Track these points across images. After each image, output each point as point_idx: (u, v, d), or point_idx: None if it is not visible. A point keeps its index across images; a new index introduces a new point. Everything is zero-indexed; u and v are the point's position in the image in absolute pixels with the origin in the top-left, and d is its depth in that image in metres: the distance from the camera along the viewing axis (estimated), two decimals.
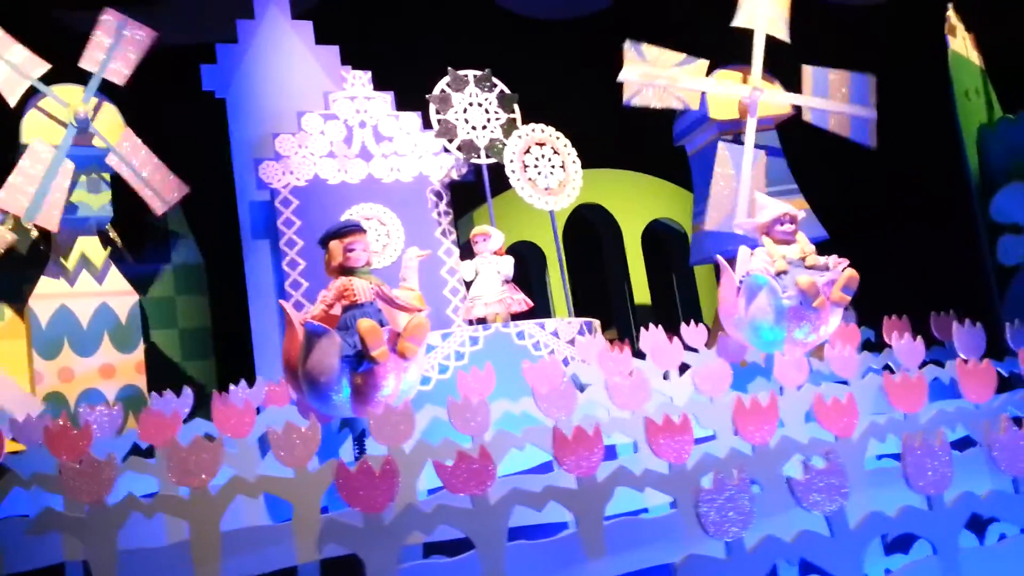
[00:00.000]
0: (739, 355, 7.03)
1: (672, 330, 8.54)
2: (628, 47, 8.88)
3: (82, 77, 8.93)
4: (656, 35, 9.16)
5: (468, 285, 8.38)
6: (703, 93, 9.07)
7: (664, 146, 11.18)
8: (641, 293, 11.07)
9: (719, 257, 6.92)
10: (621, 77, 8.84)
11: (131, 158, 8.96)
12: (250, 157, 9.16)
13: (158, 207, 9.10)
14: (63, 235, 9.07)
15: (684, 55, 9.06)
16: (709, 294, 11.18)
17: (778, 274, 6.51)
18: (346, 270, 5.75)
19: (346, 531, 4.09)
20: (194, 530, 4.75)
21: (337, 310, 5.81)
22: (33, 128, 8.85)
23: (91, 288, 9.13)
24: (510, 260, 8.30)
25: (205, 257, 10.36)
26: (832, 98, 9.13)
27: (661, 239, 11.63)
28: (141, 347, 9.27)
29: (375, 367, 5.50)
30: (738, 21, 9.13)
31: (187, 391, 7.09)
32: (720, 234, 9.23)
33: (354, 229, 5.79)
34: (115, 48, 8.84)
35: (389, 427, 5.21)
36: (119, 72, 8.91)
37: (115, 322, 9.17)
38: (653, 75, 8.89)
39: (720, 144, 9.03)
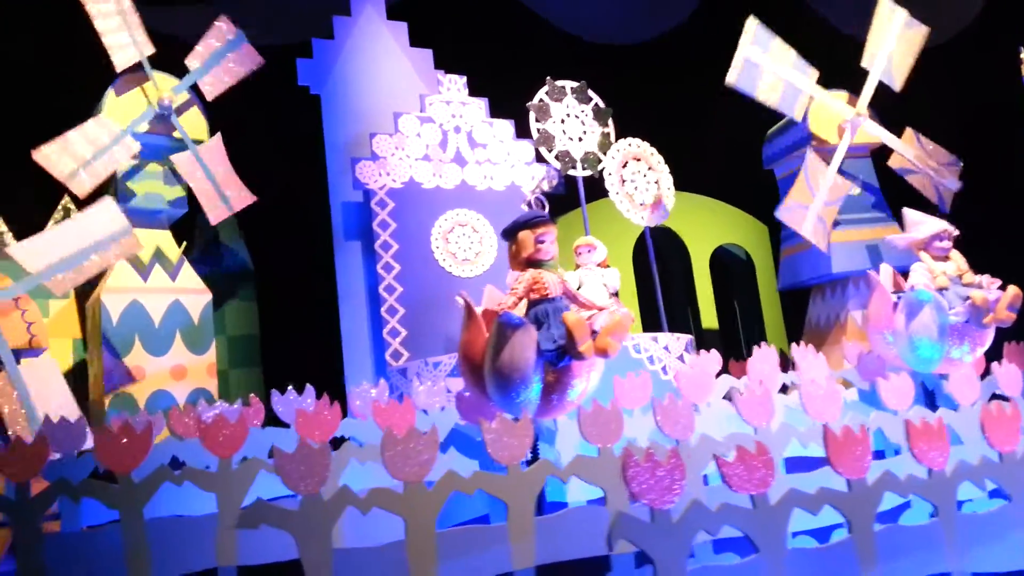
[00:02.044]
0: (879, 373, 6.91)
1: (737, 355, 8.47)
2: (752, 26, 8.79)
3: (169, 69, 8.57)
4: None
5: None
6: (807, 108, 9.05)
7: (732, 171, 11.21)
8: (708, 317, 10.94)
9: (871, 273, 6.81)
10: (738, 53, 8.74)
11: (208, 158, 8.52)
12: (343, 156, 8.81)
13: (217, 215, 8.62)
14: (135, 226, 8.56)
15: (801, 58, 9.03)
16: (773, 320, 11.13)
17: (939, 290, 6.43)
18: (534, 263, 5.45)
19: (636, 527, 3.77)
20: (410, 528, 4.38)
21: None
22: (115, 104, 8.37)
23: (164, 284, 8.61)
24: (616, 272, 8.09)
25: (283, 259, 9.82)
26: (924, 159, 9.23)
27: (725, 265, 11.55)
28: (213, 348, 8.75)
29: (571, 365, 5.20)
30: (864, 61, 9.19)
31: (309, 389, 6.65)
32: (813, 258, 9.20)
33: (546, 220, 5.50)
34: (217, 62, 8.48)
35: (598, 427, 4.90)
36: (213, 85, 8.55)
37: (188, 321, 8.65)
38: (767, 63, 8.83)
39: (810, 153, 9.01)
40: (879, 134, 9.29)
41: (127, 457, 5.00)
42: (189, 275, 8.78)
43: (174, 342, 8.53)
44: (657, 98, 11.27)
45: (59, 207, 9.86)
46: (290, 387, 6.64)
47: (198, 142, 8.61)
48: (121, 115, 8.35)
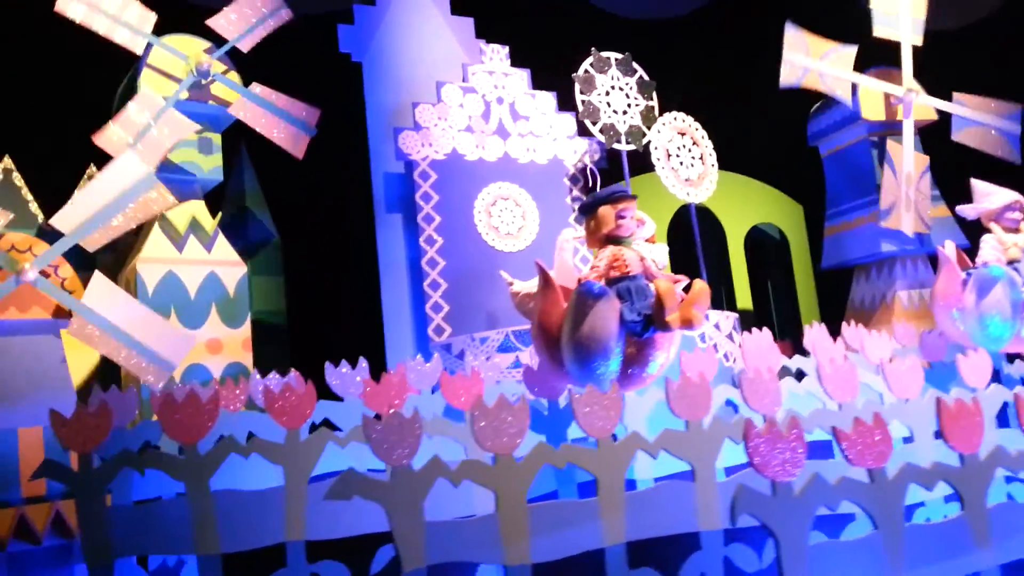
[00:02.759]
0: (941, 352, 6.77)
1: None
2: (790, 30, 8.64)
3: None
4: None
5: None
6: (854, 88, 8.88)
7: (767, 149, 11.03)
8: (743, 297, 10.78)
9: (940, 248, 6.65)
10: (783, 59, 8.59)
11: (264, 96, 8.25)
12: (385, 125, 8.58)
13: (301, 147, 8.28)
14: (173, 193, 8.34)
15: (833, 44, 8.86)
16: (807, 300, 10.99)
17: (1010, 263, 6.29)
18: (613, 239, 5.27)
19: (759, 501, 3.61)
20: (501, 501, 4.21)
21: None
22: (152, 80, 8.12)
23: (200, 256, 8.38)
24: (665, 248, 7.94)
25: (312, 230, 9.54)
26: (981, 112, 9.05)
27: (758, 244, 11.38)
28: (248, 322, 8.53)
29: (654, 337, 5.03)
30: (879, 32, 9.02)
31: (363, 363, 6.46)
32: (860, 237, 9.06)
33: (627, 195, 5.32)
34: (252, 24, 8.21)
35: (687, 400, 4.73)
36: (247, 42, 8.29)
37: (223, 294, 8.43)
38: (808, 61, 8.69)
39: (890, 142, 8.84)
40: (935, 104, 9.10)
41: (193, 428, 4.82)
42: (224, 247, 8.55)
43: (210, 315, 8.31)
44: (691, 74, 11.06)
45: (86, 174, 9.61)
46: (343, 360, 6.45)
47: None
48: (161, 90, 8.09)
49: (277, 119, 8.19)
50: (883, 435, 3.78)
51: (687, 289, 5.27)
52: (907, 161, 8.64)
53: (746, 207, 11.10)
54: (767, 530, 3.67)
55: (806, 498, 3.68)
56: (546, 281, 5.24)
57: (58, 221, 6.77)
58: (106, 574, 4.55)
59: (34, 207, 9.19)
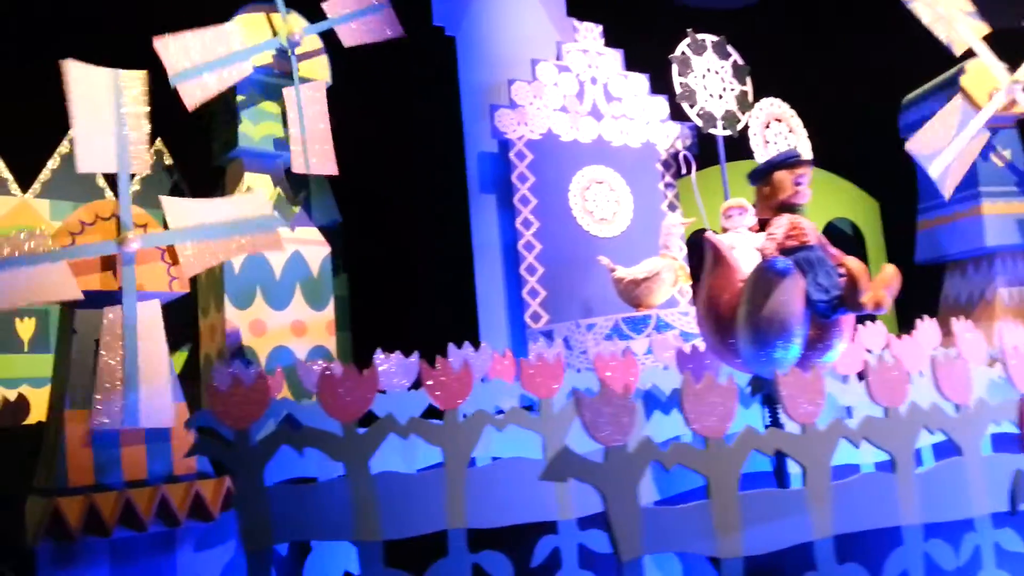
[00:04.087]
0: None
1: None
2: None
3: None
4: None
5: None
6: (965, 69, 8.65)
7: (843, 143, 10.78)
8: None
9: None
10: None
11: (311, 108, 7.88)
12: (479, 102, 8.25)
13: (299, 164, 7.90)
14: (250, 170, 7.99)
15: (973, 8, 8.62)
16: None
17: None
18: (788, 206, 4.98)
19: None
20: (713, 486, 3.91)
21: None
22: (238, 27, 7.72)
23: (284, 235, 7.99)
24: None
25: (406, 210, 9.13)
26: None
27: (832, 239, 11.11)
28: (332, 305, 8.18)
29: (839, 320, 4.75)
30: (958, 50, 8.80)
31: (486, 345, 6.14)
32: (959, 231, 8.83)
33: (804, 160, 5.03)
34: (359, 17, 7.86)
35: (887, 386, 4.46)
36: (351, 36, 7.93)
37: (307, 274, 8.08)
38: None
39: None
40: None
41: (351, 406, 4.49)
42: (307, 226, 8.21)
43: (294, 296, 7.96)
44: (763, 63, 10.80)
45: (151, 149, 9.23)
46: (466, 343, 6.14)
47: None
48: (243, 39, 7.72)
49: (297, 131, 7.81)
50: None
51: None
52: (973, 127, 8.41)
53: (822, 202, 10.84)
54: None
55: None
56: (719, 256, 4.95)
57: (170, 207, 6.32)
58: (265, 560, 4.21)
59: (100, 180, 8.82)
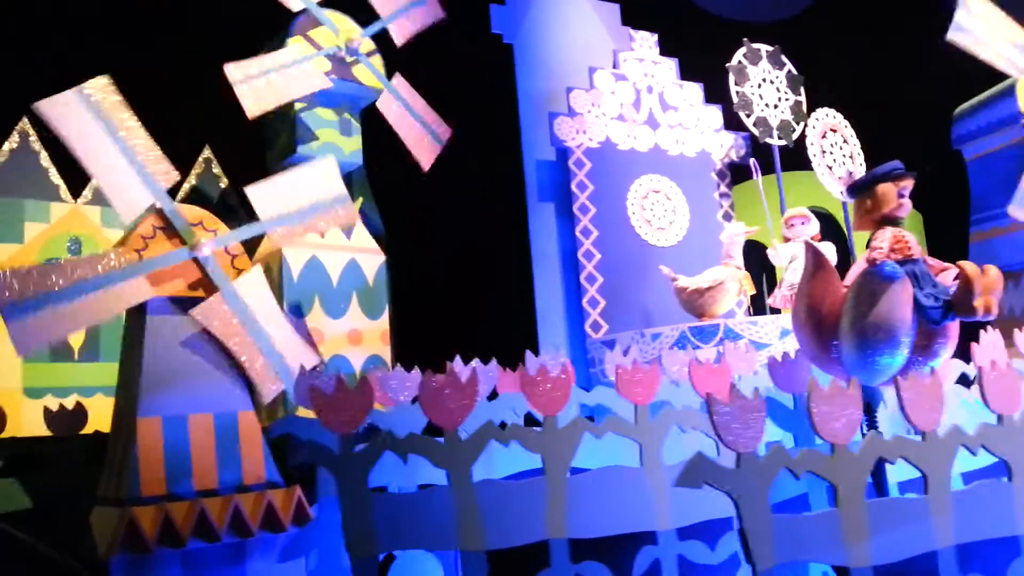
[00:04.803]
0: None
1: None
2: None
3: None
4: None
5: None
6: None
7: (887, 153, 10.72)
8: None
9: None
10: (956, 18, 8.22)
11: (403, 94, 7.84)
12: (538, 110, 8.20)
13: (428, 155, 7.90)
14: None
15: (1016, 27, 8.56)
16: None
17: None
18: (891, 219, 4.91)
19: None
20: (841, 493, 3.81)
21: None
22: (300, 43, 7.68)
23: (341, 242, 7.94)
24: (832, 247, 7.58)
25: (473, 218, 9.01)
26: None
27: None
28: (387, 314, 8.08)
29: (948, 326, 4.66)
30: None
31: (557, 354, 6.05)
32: (1016, 242, 8.76)
33: (908, 173, 4.97)
34: (403, 12, 7.83)
35: (1001, 392, 4.37)
36: (399, 33, 7.89)
37: (363, 283, 7.99)
38: (980, 29, 8.36)
39: None
40: None
41: (455, 411, 4.39)
42: (363, 233, 8.12)
43: (351, 305, 7.87)
44: (813, 74, 10.78)
45: (201, 158, 9.16)
46: (542, 351, 6.05)
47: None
48: (306, 52, 7.67)
49: (413, 120, 7.78)
50: None
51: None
52: None
53: None
54: None
55: None
56: (820, 263, 4.87)
57: (256, 196, 6.17)
58: (371, 569, 4.10)
59: None
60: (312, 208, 6.24)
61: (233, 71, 7.05)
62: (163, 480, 5.61)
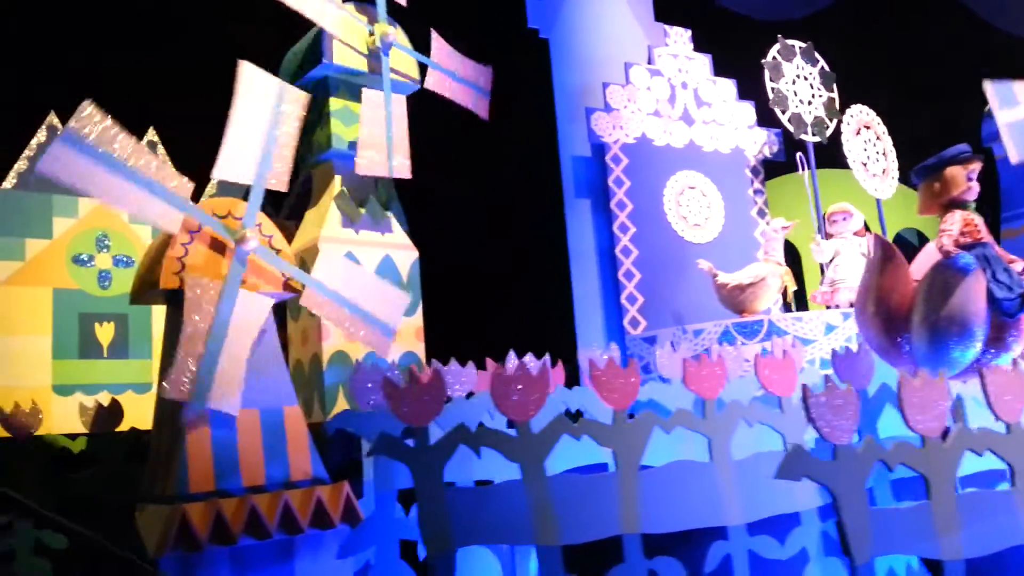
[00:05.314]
0: None
1: None
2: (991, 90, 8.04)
3: None
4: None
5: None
6: None
7: (913, 151, 10.72)
8: None
9: None
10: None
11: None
12: (573, 105, 8.14)
13: (370, 168, 7.63)
14: (338, 172, 7.83)
15: None
16: None
17: None
18: (959, 203, 4.87)
19: None
20: (933, 487, 3.77)
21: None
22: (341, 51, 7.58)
23: (375, 238, 7.84)
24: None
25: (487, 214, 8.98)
26: None
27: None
28: (420, 310, 7.99)
29: (1021, 319, 4.63)
30: None
31: (613, 347, 5.98)
32: None
33: (975, 156, 4.93)
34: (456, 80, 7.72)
35: None
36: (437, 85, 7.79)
37: (397, 279, 7.87)
38: None
39: None
40: None
41: (528, 404, 4.32)
42: (397, 230, 8.03)
43: None
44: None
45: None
46: (580, 348, 5.99)
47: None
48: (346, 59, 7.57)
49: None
50: None
51: None
52: None
53: (890, 211, 10.76)
54: None
55: None
56: (889, 255, 4.83)
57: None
58: (449, 565, 4.03)
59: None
60: (358, 311, 6.11)
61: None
62: (212, 476, 5.52)
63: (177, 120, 8.56)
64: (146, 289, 5.72)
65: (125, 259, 8.52)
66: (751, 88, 8.67)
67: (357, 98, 7.88)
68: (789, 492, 4.59)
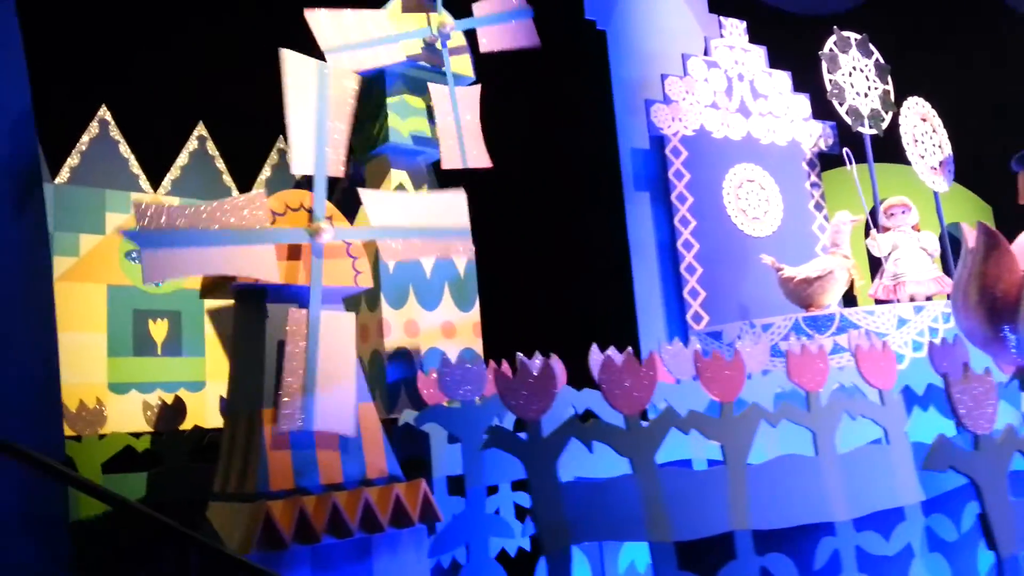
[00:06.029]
0: None
1: None
2: None
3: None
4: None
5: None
6: None
7: (958, 146, 10.64)
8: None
9: None
10: None
11: (463, 103, 7.61)
12: (631, 98, 8.04)
13: (450, 161, 7.59)
14: (395, 167, 7.74)
15: None
16: None
17: None
18: None
19: None
20: (982, 488, 3.67)
21: None
22: (396, 12, 7.47)
23: None
24: (934, 236, 7.48)
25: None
26: None
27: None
28: (477, 306, 7.90)
29: None
30: None
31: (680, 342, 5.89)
32: None
33: None
34: (502, 22, 7.61)
35: None
36: (489, 40, 7.67)
37: (455, 275, 7.80)
38: None
39: None
40: None
41: (637, 398, 4.23)
42: None
43: (443, 297, 7.68)
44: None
45: (276, 147, 8.97)
46: (642, 342, 5.89)
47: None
48: (396, 25, 7.47)
49: (454, 127, 7.52)
50: None
51: None
52: None
53: (930, 207, 10.68)
54: None
55: None
56: (995, 242, 4.72)
57: (369, 201, 5.96)
58: (565, 562, 3.93)
59: (227, 179, 8.57)
60: (430, 232, 5.99)
61: (323, 35, 6.88)
62: (291, 474, 5.43)
63: (224, 109, 8.47)
64: (217, 284, 5.65)
65: None
66: (803, 80, 8.58)
67: (414, 91, 7.80)
68: (891, 487, 4.50)
